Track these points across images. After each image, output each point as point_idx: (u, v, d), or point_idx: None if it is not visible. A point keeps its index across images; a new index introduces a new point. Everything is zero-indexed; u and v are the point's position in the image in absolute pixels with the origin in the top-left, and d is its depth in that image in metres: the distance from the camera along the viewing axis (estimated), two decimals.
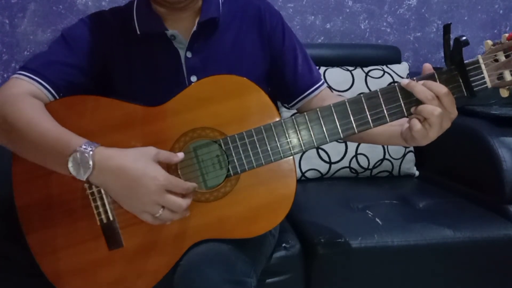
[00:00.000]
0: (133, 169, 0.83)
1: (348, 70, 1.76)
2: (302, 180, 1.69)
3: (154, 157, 0.85)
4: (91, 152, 0.82)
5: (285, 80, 1.10)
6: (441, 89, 0.85)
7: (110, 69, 1.03)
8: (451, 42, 0.86)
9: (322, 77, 1.15)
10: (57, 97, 0.97)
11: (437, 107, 0.85)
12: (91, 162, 0.82)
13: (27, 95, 0.92)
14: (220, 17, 1.05)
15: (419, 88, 0.86)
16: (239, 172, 0.92)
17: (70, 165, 0.83)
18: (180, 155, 0.89)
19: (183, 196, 0.86)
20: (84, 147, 0.83)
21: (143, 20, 1.02)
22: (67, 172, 0.83)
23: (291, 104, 1.14)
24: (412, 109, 0.88)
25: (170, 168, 0.91)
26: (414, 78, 0.89)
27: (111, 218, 0.91)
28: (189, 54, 1.02)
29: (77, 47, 1.00)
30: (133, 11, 1.04)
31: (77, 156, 0.82)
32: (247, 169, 0.92)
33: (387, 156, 1.71)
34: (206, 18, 1.02)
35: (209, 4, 1.04)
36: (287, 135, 0.92)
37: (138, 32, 1.02)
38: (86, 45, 1.01)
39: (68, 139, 0.85)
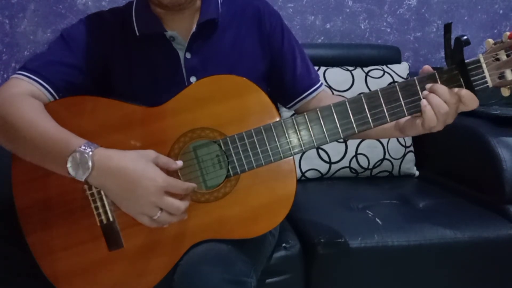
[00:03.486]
0: (132, 170, 0.82)
1: (348, 70, 1.76)
2: (302, 180, 1.69)
3: (154, 160, 0.85)
4: (90, 153, 0.82)
5: (284, 81, 1.10)
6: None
7: (110, 69, 1.03)
8: (452, 42, 0.86)
9: (320, 78, 1.15)
10: (57, 97, 0.97)
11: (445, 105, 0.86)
12: (90, 163, 0.82)
13: (27, 95, 0.92)
14: (219, 18, 1.04)
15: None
16: (239, 172, 0.92)
17: (69, 165, 0.82)
18: (179, 163, 0.89)
19: (181, 198, 0.86)
20: (84, 147, 0.83)
21: (142, 21, 1.02)
22: (65, 173, 0.83)
23: (289, 105, 1.14)
24: (428, 86, 0.87)
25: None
26: (414, 78, 0.89)
27: (111, 219, 0.91)
28: (188, 55, 1.02)
29: (77, 47, 1.00)
30: (132, 12, 1.04)
31: (77, 157, 0.82)
32: (247, 169, 0.92)
33: (387, 156, 1.71)
34: (205, 19, 1.02)
35: (208, 5, 1.04)
36: (287, 135, 0.91)
37: (137, 33, 1.02)
38: (85, 45, 1.00)
39: (68, 140, 0.84)
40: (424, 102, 0.87)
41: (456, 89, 0.87)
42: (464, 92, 0.86)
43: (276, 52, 1.08)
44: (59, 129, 0.87)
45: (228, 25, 1.06)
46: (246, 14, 1.08)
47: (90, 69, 1.00)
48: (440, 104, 0.86)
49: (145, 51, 1.02)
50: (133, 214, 0.85)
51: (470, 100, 0.87)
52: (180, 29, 1.02)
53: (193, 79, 1.02)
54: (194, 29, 1.01)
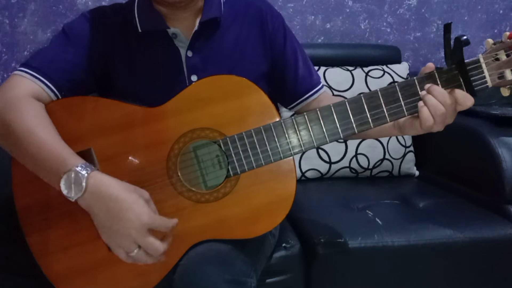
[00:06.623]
0: (123, 200, 0.81)
1: (348, 70, 1.76)
2: (302, 180, 1.69)
3: (145, 201, 0.84)
4: (86, 175, 0.81)
5: (285, 82, 1.10)
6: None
7: (111, 66, 1.02)
8: (452, 42, 0.86)
9: (321, 80, 1.15)
10: (59, 96, 0.96)
11: (442, 107, 0.86)
12: (84, 184, 0.81)
13: (30, 98, 0.91)
14: (221, 17, 1.04)
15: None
16: (238, 172, 0.92)
17: (62, 183, 0.82)
18: (174, 221, 0.86)
19: (163, 237, 0.84)
20: (80, 168, 0.82)
21: (145, 18, 1.02)
22: (58, 188, 0.83)
23: (290, 107, 1.14)
24: (426, 86, 0.87)
25: (170, 168, 0.91)
26: (414, 78, 0.89)
27: None
28: (189, 53, 1.02)
29: (78, 42, 0.99)
30: (134, 8, 1.03)
31: (71, 176, 0.82)
32: (246, 169, 0.92)
33: (387, 156, 1.71)
34: (208, 17, 1.02)
35: (210, 3, 1.04)
36: (286, 135, 0.91)
37: (140, 30, 1.01)
38: (87, 40, 1.00)
39: (65, 157, 0.84)
40: (420, 103, 0.88)
41: (449, 90, 0.87)
42: (458, 92, 0.87)
43: (277, 54, 1.08)
44: (58, 142, 0.86)
45: (230, 25, 1.06)
46: (248, 15, 1.07)
47: (92, 67, 1.00)
48: (436, 105, 0.86)
49: (146, 48, 1.02)
50: (111, 245, 0.84)
51: (464, 100, 0.87)
52: (182, 27, 1.02)
53: (194, 77, 1.02)
54: (196, 27, 1.01)
